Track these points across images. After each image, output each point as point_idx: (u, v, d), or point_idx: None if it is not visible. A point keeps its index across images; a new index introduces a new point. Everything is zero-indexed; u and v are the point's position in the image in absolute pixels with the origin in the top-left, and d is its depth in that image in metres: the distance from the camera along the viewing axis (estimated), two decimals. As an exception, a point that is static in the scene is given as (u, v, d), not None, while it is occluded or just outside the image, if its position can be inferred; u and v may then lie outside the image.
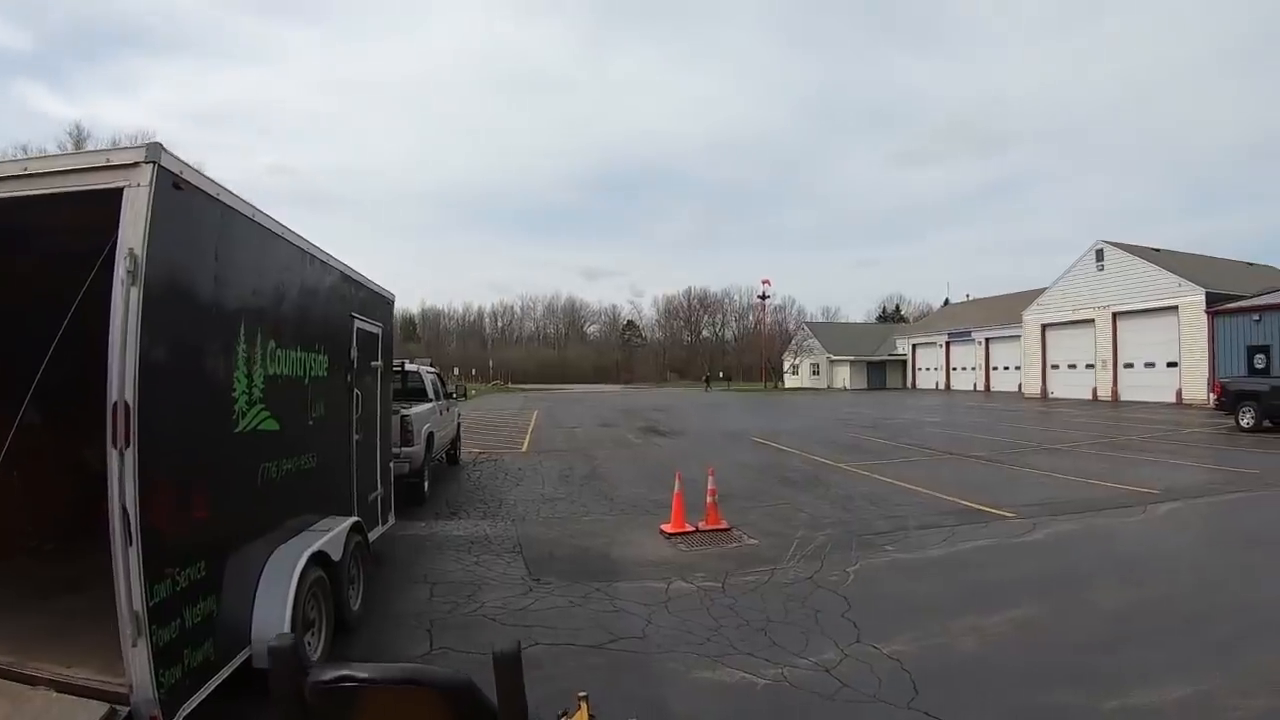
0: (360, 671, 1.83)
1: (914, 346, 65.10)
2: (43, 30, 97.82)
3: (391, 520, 7.52)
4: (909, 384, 64.54)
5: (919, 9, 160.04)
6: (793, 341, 76.99)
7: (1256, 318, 30.91)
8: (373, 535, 6.47)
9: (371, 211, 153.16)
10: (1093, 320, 39.65)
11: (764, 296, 78.98)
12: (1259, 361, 29.50)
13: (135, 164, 3.03)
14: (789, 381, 74.26)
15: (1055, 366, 43.26)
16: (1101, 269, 39.60)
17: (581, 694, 2.57)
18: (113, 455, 2.92)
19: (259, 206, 4.19)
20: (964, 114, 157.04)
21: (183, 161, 3.24)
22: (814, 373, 71.99)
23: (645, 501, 10.64)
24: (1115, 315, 38.34)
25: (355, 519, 5.60)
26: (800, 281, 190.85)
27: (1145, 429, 21.34)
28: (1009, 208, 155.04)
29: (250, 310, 4.04)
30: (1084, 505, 9.88)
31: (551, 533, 8.87)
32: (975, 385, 53.44)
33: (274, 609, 4.06)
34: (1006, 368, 50.33)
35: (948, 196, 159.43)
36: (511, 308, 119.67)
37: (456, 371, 54.52)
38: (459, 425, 15.65)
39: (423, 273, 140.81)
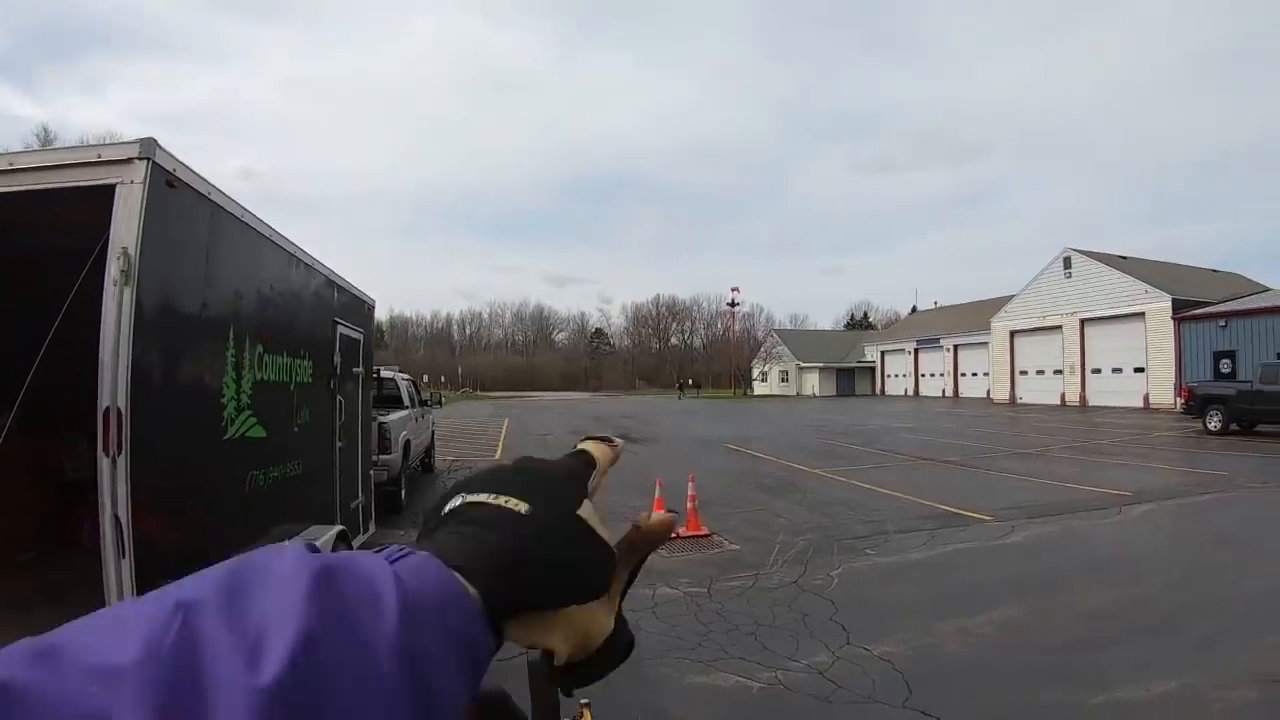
0: None
1: (883, 353, 65.83)
2: (6, 29, 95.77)
3: (372, 529, 7.41)
4: (878, 391, 65.22)
5: (889, 18, 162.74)
6: (762, 349, 77.48)
7: (1222, 323, 31.77)
8: (355, 544, 6.36)
9: (338, 216, 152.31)
10: (1060, 327, 40.44)
11: (733, 304, 79.49)
12: (1225, 366, 30.33)
13: (129, 160, 2.94)
14: (758, 389, 74.66)
15: (1024, 372, 44.01)
16: (1069, 276, 40.42)
17: (584, 701, 2.53)
18: (104, 463, 2.83)
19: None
20: (933, 122, 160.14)
21: (176, 159, 3.16)
22: (783, 380, 72.48)
23: (623, 508, 10.56)
24: (1083, 321, 39.14)
25: (340, 527, 5.50)
26: (769, 289, 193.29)
27: (1115, 433, 21.78)
28: (977, 216, 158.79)
29: (239, 314, 3.96)
30: (1060, 508, 10.03)
31: (532, 540, 8.76)
32: (944, 391, 54.16)
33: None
34: (975, 374, 51.08)
35: (916, 204, 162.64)
36: (480, 315, 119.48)
37: (426, 379, 54.02)
38: (433, 433, 15.49)
39: (390, 279, 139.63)
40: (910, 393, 59.08)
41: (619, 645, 0.51)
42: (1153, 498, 10.71)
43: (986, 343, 47.42)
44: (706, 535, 8.69)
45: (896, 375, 63.24)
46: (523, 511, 0.46)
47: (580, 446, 0.56)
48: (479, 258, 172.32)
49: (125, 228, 2.90)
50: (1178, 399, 27.02)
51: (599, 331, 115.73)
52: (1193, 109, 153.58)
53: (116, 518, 2.82)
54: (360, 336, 6.78)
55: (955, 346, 53.51)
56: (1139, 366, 35.71)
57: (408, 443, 10.97)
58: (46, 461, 5.02)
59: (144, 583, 2.95)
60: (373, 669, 0.33)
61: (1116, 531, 8.78)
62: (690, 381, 77.90)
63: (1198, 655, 4.87)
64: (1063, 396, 39.85)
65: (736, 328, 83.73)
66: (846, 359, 69.92)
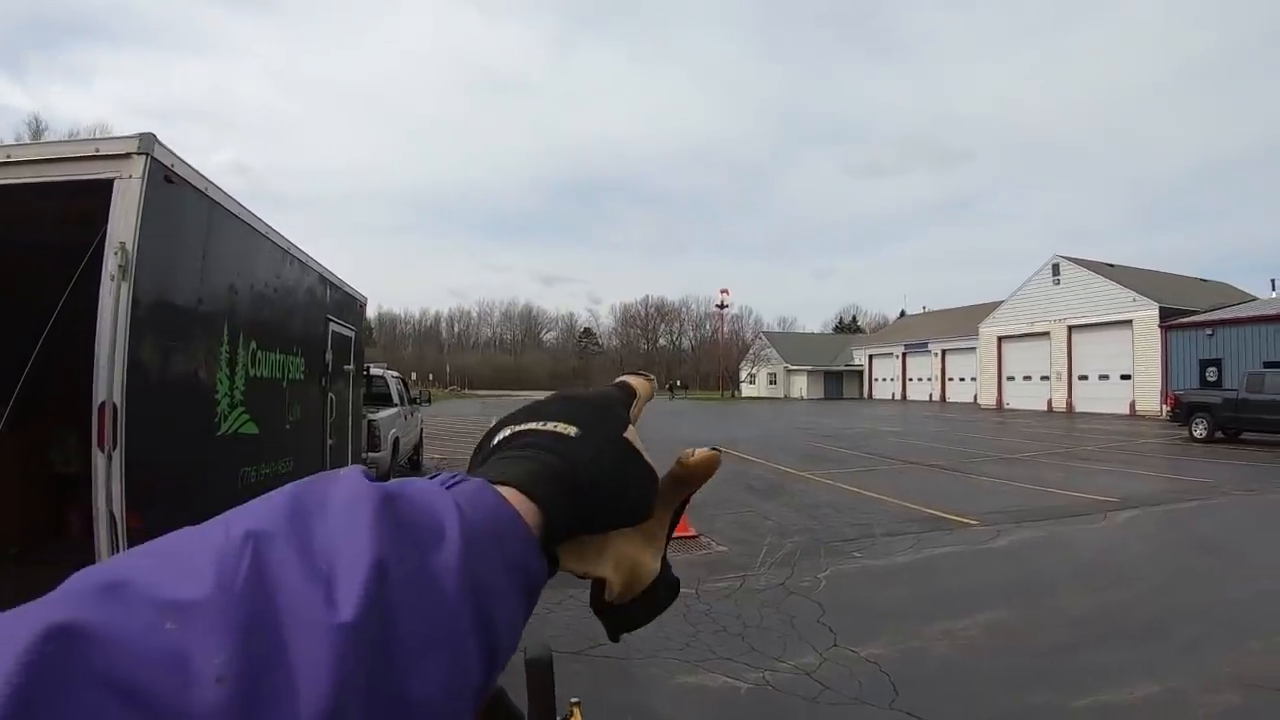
0: None
1: (870, 357, 66.09)
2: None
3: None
4: (865, 394, 65.46)
5: (880, 23, 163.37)
6: (750, 351, 77.60)
7: (1209, 332, 32.05)
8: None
9: (328, 212, 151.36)
10: (1048, 333, 40.71)
11: (723, 306, 79.68)
12: (1211, 374, 30.60)
13: (127, 155, 2.94)
14: (746, 391, 74.79)
15: (1011, 378, 44.27)
16: (1057, 283, 40.70)
17: (574, 700, 2.55)
18: (98, 457, 2.82)
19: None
20: (923, 127, 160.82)
21: (174, 154, 3.15)
22: (771, 382, 72.62)
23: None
24: (1070, 328, 39.41)
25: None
26: (758, 291, 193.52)
27: (1101, 439, 21.94)
28: (966, 221, 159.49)
29: (234, 310, 3.96)
30: (1046, 513, 10.10)
31: (521, 539, 8.76)
32: (931, 396, 54.40)
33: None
34: (963, 379, 51.33)
35: (905, 209, 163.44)
36: (469, 313, 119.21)
37: (414, 377, 53.85)
38: (422, 430, 15.47)
39: (379, 276, 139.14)
40: (898, 397, 59.32)
41: (665, 586, 0.51)
42: (1138, 504, 10.81)
43: (974, 348, 47.68)
44: (694, 536, 8.70)
45: (884, 379, 63.49)
46: (573, 435, 0.46)
47: (620, 379, 0.56)
48: (469, 256, 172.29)
49: (123, 223, 2.90)
50: (1164, 406, 27.24)
51: (587, 331, 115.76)
52: (1183, 116, 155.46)
53: (110, 512, 2.82)
54: (352, 334, 6.78)
55: (943, 351, 53.76)
56: (1126, 374, 35.99)
57: (397, 440, 10.96)
58: (35, 455, 4.99)
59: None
60: (441, 600, 0.33)
61: (1101, 537, 8.86)
62: (679, 383, 77.97)
63: (1182, 659, 4.93)
64: (1050, 402, 40.12)
65: (725, 329, 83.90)
66: (835, 362, 70.13)
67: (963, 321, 52.16)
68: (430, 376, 70.28)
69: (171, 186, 3.16)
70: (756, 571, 7.26)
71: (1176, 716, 4.20)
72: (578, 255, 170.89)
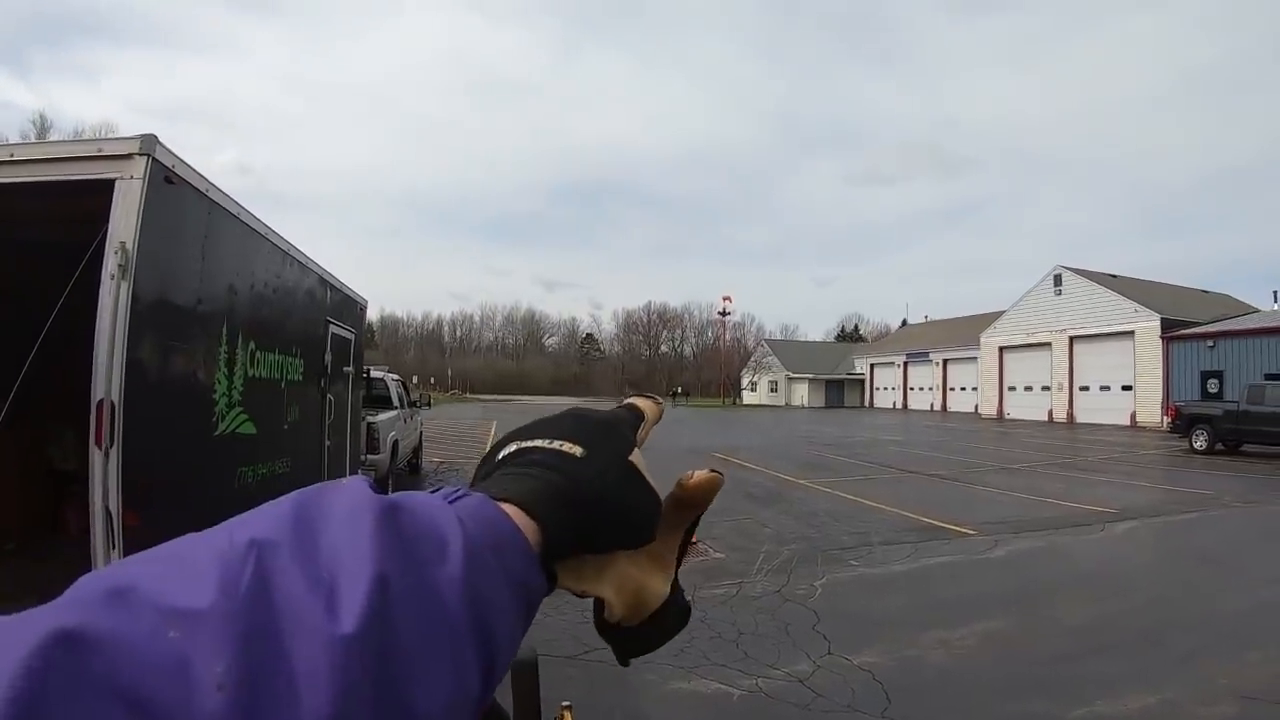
0: None
1: (872, 366, 66.08)
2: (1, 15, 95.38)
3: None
4: (866, 403, 65.44)
5: (883, 31, 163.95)
6: (752, 359, 77.67)
7: (1210, 343, 32.06)
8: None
9: (331, 214, 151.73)
10: (1050, 343, 40.72)
11: (725, 313, 79.83)
12: (1212, 386, 30.59)
13: (129, 155, 2.96)
14: (747, 398, 74.79)
15: (1012, 388, 44.25)
16: (1059, 293, 40.72)
17: (565, 704, 2.55)
18: (95, 454, 2.84)
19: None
20: (926, 135, 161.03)
21: (175, 155, 3.17)
22: (772, 390, 72.63)
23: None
24: (1072, 339, 39.43)
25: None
26: (760, 298, 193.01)
27: (1101, 450, 21.92)
28: (968, 230, 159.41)
29: (233, 310, 3.98)
30: (1044, 523, 10.10)
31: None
32: (932, 405, 54.38)
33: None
34: (964, 388, 51.31)
35: (907, 217, 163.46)
36: (471, 317, 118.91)
37: (415, 380, 53.92)
38: (421, 434, 15.47)
39: (382, 279, 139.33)
40: (899, 406, 59.30)
41: (675, 611, 0.51)
42: (1137, 515, 10.80)
43: (976, 358, 47.68)
44: (692, 543, 8.66)
45: (885, 388, 63.48)
46: (578, 454, 0.46)
47: (628, 401, 0.57)
48: (470, 259, 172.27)
49: (124, 222, 2.92)
50: (1165, 418, 27.23)
51: (589, 337, 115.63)
52: (1186, 126, 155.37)
53: (107, 509, 2.83)
54: (352, 336, 6.80)
55: (944, 361, 53.78)
56: (1127, 385, 35.98)
57: (396, 443, 10.95)
58: (34, 452, 5.01)
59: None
60: (442, 612, 0.33)
61: (1100, 548, 8.85)
62: (680, 389, 78.00)
63: (1179, 670, 4.93)
64: (1050, 413, 40.09)
65: (727, 337, 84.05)
66: (836, 371, 70.13)
67: (964, 331, 52.18)
68: (432, 380, 70.36)
69: (172, 187, 3.19)
70: (753, 578, 7.26)
71: (1171, 728, 4.20)
72: (579, 260, 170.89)
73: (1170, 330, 34.09)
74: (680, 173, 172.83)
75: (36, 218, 3.85)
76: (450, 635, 0.33)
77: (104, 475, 2.82)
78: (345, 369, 6.56)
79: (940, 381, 54.25)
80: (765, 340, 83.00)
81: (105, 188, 2.94)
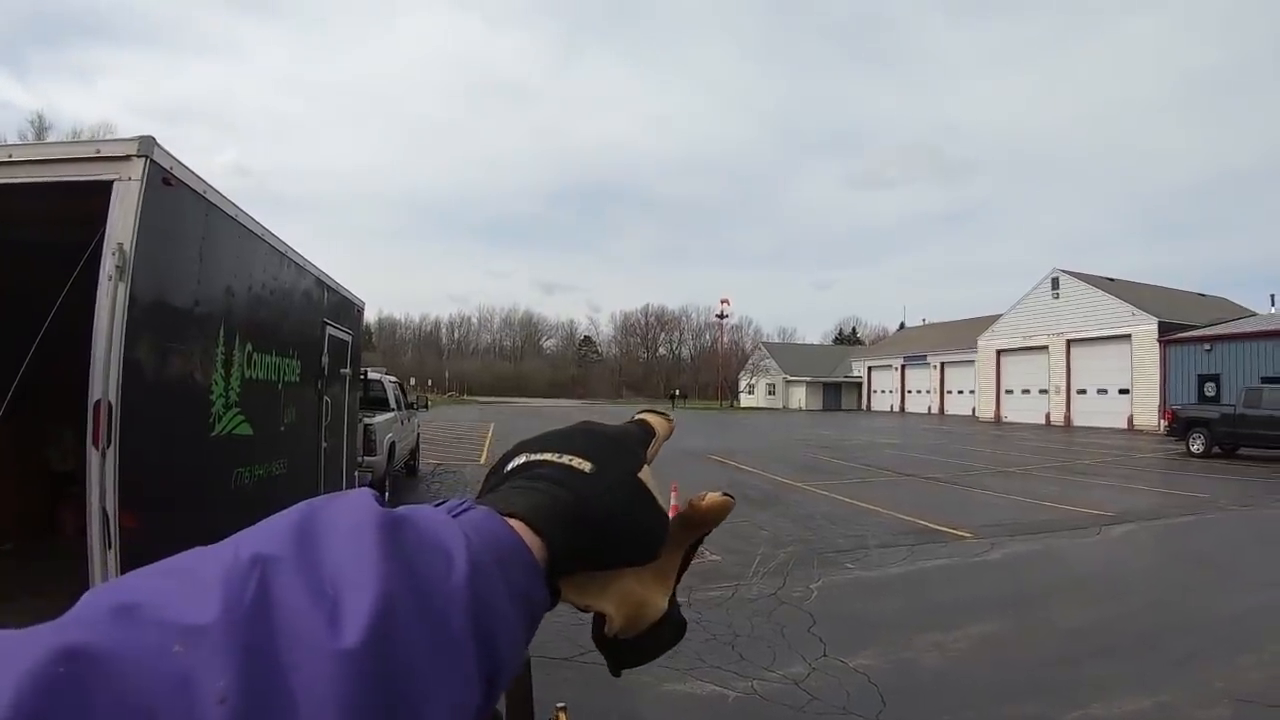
0: None
1: (869, 369, 66.12)
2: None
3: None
4: (864, 406, 65.47)
5: (883, 34, 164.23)
6: (749, 361, 77.66)
7: (1207, 347, 32.10)
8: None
9: (329, 216, 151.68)
10: (1047, 347, 40.75)
11: (723, 316, 79.84)
12: (1209, 389, 30.63)
13: (127, 157, 2.97)
14: (745, 401, 74.79)
15: (1009, 391, 44.27)
16: (1057, 297, 40.78)
17: (560, 705, 2.55)
18: (92, 455, 2.84)
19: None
20: (924, 139, 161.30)
21: (173, 156, 3.18)
22: (770, 393, 72.64)
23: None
24: (1069, 342, 39.47)
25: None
26: (758, 301, 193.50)
27: (1098, 453, 21.96)
28: (966, 234, 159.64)
29: (230, 312, 3.98)
30: (1040, 526, 10.12)
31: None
32: (930, 408, 54.43)
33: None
34: (961, 392, 51.35)
35: (905, 221, 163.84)
36: (469, 319, 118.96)
37: (413, 381, 53.86)
38: (418, 436, 15.46)
39: (380, 281, 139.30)
40: (896, 409, 59.33)
41: (671, 626, 0.51)
42: (1134, 518, 10.83)
43: (973, 361, 47.72)
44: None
45: (883, 391, 63.52)
46: (587, 470, 0.46)
47: (639, 416, 0.57)
48: (469, 261, 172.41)
49: (121, 224, 2.92)
50: (1162, 421, 27.27)
51: (587, 339, 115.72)
52: (1186, 131, 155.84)
53: (104, 510, 2.84)
54: (349, 338, 6.80)
55: (942, 364, 53.84)
56: (1124, 388, 36.02)
57: (393, 445, 10.95)
58: (31, 452, 5.01)
59: (128, 576, 2.94)
60: (447, 626, 0.33)
61: (1096, 551, 8.87)
62: (678, 392, 78.04)
63: (1174, 673, 4.94)
64: (1048, 416, 40.13)
65: (725, 339, 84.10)
66: (834, 374, 70.19)
67: (962, 334, 52.22)
68: (429, 382, 70.27)
69: (170, 189, 3.19)
70: (749, 581, 7.26)
71: (1166, 731, 4.21)
72: (577, 262, 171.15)
73: (1167, 334, 34.15)
74: (680, 175, 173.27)
75: (34, 218, 3.85)
76: (453, 649, 0.34)
77: (101, 476, 2.82)
78: (342, 371, 6.56)
79: (938, 384, 54.30)
80: (763, 343, 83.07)
81: (103, 189, 2.94)
